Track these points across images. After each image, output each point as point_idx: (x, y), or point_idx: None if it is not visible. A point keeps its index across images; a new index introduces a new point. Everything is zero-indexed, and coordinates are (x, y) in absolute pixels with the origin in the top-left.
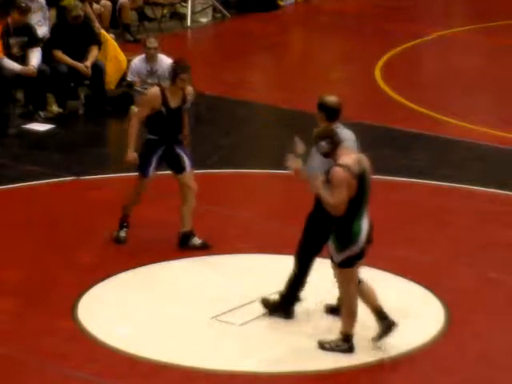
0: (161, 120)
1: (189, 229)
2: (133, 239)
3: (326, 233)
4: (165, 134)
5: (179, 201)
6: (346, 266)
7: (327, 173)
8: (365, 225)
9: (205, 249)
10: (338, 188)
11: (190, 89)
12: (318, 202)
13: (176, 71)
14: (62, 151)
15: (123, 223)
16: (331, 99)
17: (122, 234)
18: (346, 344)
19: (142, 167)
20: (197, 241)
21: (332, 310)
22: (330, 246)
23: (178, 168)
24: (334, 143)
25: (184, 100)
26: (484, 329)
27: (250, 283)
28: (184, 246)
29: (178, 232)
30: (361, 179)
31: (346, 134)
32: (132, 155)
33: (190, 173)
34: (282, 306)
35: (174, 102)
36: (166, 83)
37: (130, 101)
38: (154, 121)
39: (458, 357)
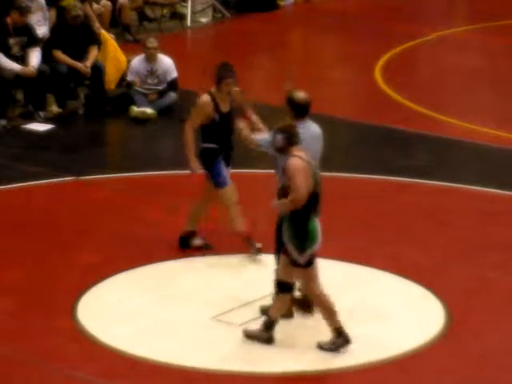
0: (215, 127)
1: (191, 229)
2: (133, 239)
3: None
4: (221, 141)
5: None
6: (309, 266)
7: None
8: (318, 223)
9: (206, 249)
10: (296, 176)
11: (235, 90)
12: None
13: (220, 76)
14: (62, 151)
15: (250, 240)
16: (299, 96)
17: (258, 245)
18: (340, 338)
19: (216, 180)
20: (197, 241)
21: None
22: (290, 248)
23: None
24: (291, 141)
25: (232, 104)
26: (484, 329)
27: (249, 283)
28: (184, 247)
29: (181, 231)
30: (313, 179)
31: (314, 129)
32: (195, 165)
33: None
34: None
35: (224, 107)
36: (213, 89)
37: (130, 101)
38: (209, 128)
39: (457, 357)
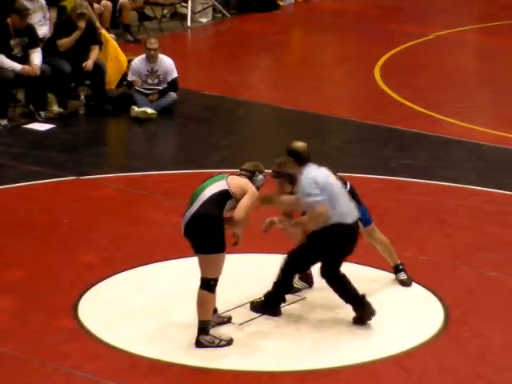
0: None
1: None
2: (133, 239)
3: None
4: None
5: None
6: None
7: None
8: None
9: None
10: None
11: None
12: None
13: None
14: (62, 151)
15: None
16: (299, 144)
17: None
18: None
19: None
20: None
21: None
22: None
23: None
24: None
25: None
26: (484, 329)
27: (249, 283)
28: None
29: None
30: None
31: (321, 168)
32: None
33: None
34: (269, 306)
35: None
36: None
37: (131, 101)
38: None
39: (457, 356)
